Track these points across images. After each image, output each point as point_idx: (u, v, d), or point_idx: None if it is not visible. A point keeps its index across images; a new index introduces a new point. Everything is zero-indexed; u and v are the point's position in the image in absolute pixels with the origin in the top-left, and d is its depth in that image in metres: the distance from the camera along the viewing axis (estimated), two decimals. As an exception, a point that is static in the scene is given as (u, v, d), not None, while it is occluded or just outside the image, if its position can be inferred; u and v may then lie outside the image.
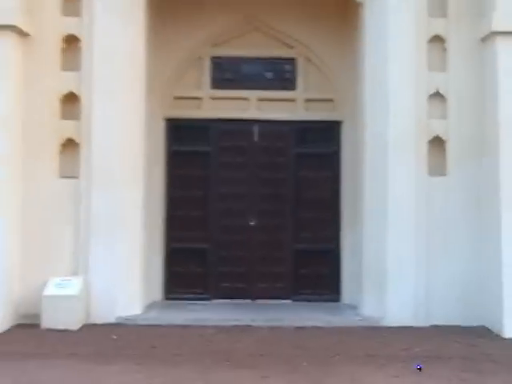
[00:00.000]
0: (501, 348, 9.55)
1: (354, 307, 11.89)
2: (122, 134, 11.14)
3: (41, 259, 10.89)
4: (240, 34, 12.82)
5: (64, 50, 11.16)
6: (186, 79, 12.92)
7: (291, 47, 12.90)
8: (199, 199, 12.80)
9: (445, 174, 11.10)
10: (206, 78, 12.95)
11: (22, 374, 7.96)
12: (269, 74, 13.06)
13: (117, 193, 11.03)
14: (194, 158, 12.76)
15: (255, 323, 10.86)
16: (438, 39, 11.12)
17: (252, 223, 12.73)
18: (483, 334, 10.34)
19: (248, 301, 12.60)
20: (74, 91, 11.13)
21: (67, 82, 11.14)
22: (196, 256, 12.75)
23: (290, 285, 12.76)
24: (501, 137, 10.42)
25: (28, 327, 10.46)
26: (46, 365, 8.42)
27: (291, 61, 12.97)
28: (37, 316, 10.48)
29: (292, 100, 12.90)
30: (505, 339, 10.04)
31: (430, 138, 11.07)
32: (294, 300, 12.65)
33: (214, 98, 12.89)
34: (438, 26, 11.09)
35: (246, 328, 10.63)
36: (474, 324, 10.70)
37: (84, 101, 11.09)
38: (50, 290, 10.59)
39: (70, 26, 11.14)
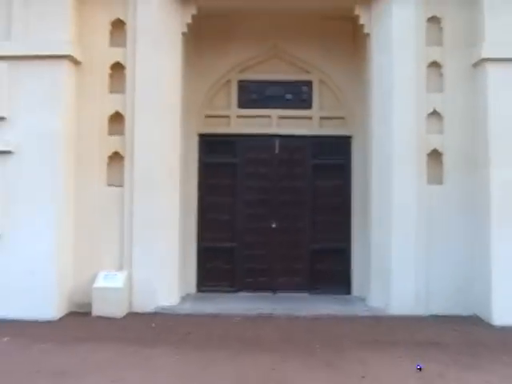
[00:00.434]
0: (490, 334, 9.56)
1: (362, 299, 11.87)
2: (160, 148, 11.12)
3: (91, 256, 10.95)
4: (263, 60, 12.83)
5: (111, 76, 11.21)
6: (216, 100, 12.95)
7: (308, 72, 12.86)
8: (227, 205, 12.81)
9: (442, 183, 11.00)
10: (234, 99, 12.96)
11: (76, 356, 8.10)
12: (288, 95, 12.98)
13: (156, 199, 11.03)
14: (223, 168, 12.79)
15: (276, 313, 10.87)
16: (435, 65, 11.07)
17: (273, 226, 12.70)
18: (475, 322, 10.30)
19: (270, 293, 12.57)
20: (120, 111, 11.15)
21: (114, 103, 11.18)
22: (224, 254, 12.76)
23: (306, 279, 12.72)
24: (490, 150, 10.38)
25: (80, 315, 10.54)
26: (97, 347, 8.53)
27: (308, 84, 12.93)
28: (88, 305, 10.58)
29: (308, 118, 12.87)
30: (493, 326, 10.01)
31: (429, 151, 11.02)
32: (311, 293, 12.58)
33: (240, 117, 12.90)
34: (435, 54, 11.05)
35: (268, 317, 10.63)
36: (467, 313, 10.65)
37: (128, 119, 11.09)
38: (99, 282, 10.67)
39: (117, 55, 11.17)
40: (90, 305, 10.62)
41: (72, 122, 11.03)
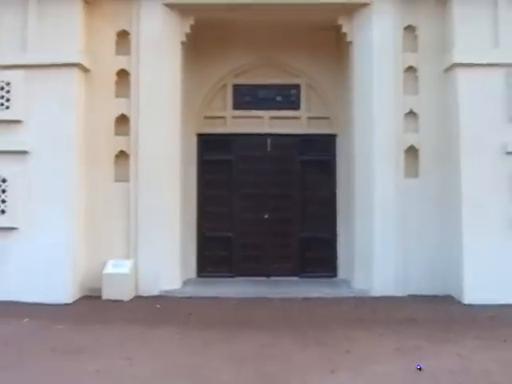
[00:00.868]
0: (461, 311, 9.72)
1: (347, 282, 11.93)
2: (162, 147, 11.21)
3: (101, 245, 11.05)
4: (256, 66, 12.84)
5: (117, 82, 11.29)
6: (213, 102, 12.96)
7: (296, 76, 12.87)
8: (224, 198, 12.84)
9: (417, 177, 11.12)
10: (229, 101, 12.99)
11: (89, 335, 8.22)
12: (278, 98, 13.00)
13: (159, 193, 11.13)
14: (220, 165, 12.82)
15: (270, 295, 10.97)
16: (411, 70, 11.17)
17: (266, 217, 12.74)
18: (448, 301, 10.43)
19: (264, 278, 12.62)
20: (125, 113, 11.25)
21: (119, 106, 11.26)
22: (222, 243, 12.79)
23: (297, 265, 12.75)
24: (461, 147, 10.49)
25: (92, 298, 10.66)
26: (110, 327, 8.67)
27: (296, 87, 12.95)
28: (98, 289, 10.71)
29: (297, 118, 12.92)
30: (465, 305, 10.16)
31: (406, 147, 11.12)
32: (301, 277, 12.64)
33: (235, 117, 12.93)
34: (411, 60, 11.16)
35: (263, 299, 10.71)
36: (442, 294, 10.78)
37: (133, 121, 11.19)
38: (109, 269, 10.78)
39: (122, 62, 11.25)
40: (100, 289, 10.73)
41: (82, 124, 11.09)
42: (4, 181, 10.64)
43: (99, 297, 10.66)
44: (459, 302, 10.38)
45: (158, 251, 11.12)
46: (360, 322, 9.06)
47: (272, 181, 12.87)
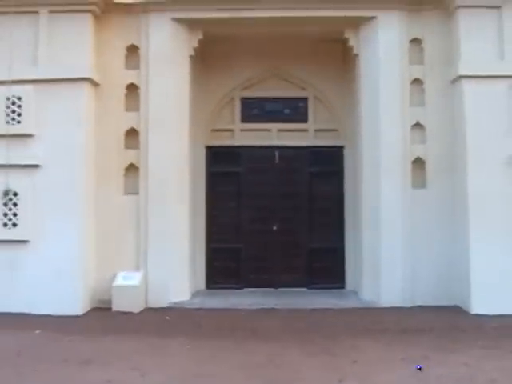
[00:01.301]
0: (468, 322, 9.75)
1: (355, 293, 12.01)
2: (172, 160, 11.31)
3: (111, 258, 11.11)
4: (264, 79, 12.96)
5: (126, 96, 11.41)
6: (221, 115, 13.06)
7: (303, 89, 12.97)
8: (233, 209, 12.90)
9: (425, 187, 11.17)
10: (237, 114, 13.06)
11: (100, 346, 8.32)
12: (286, 111, 13.08)
13: (168, 205, 11.22)
14: (229, 177, 12.89)
15: (278, 306, 11.00)
16: (417, 82, 11.26)
17: (274, 228, 12.77)
18: (456, 312, 10.46)
19: (272, 289, 12.60)
20: (135, 127, 11.35)
21: (129, 120, 11.37)
22: (231, 254, 12.81)
23: (305, 276, 12.77)
24: (467, 158, 10.54)
25: (102, 310, 10.73)
26: (119, 339, 8.74)
27: (304, 100, 13.04)
28: (108, 301, 10.78)
29: (305, 130, 13.00)
30: (472, 315, 10.18)
31: (413, 158, 11.19)
32: (309, 288, 12.65)
33: (243, 130, 13.01)
34: (417, 72, 11.24)
35: (271, 310, 10.76)
36: (449, 304, 10.78)
37: (142, 134, 11.30)
38: (119, 281, 10.85)
39: (131, 76, 11.38)
40: (110, 301, 10.81)
41: (92, 138, 11.22)
42: (15, 194, 10.78)
43: (109, 308, 10.73)
44: (466, 313, 10.39)
45: (168, 263, 11.19)
46: (367, 332, 9.11)
47: (280, 192, 12.91)
